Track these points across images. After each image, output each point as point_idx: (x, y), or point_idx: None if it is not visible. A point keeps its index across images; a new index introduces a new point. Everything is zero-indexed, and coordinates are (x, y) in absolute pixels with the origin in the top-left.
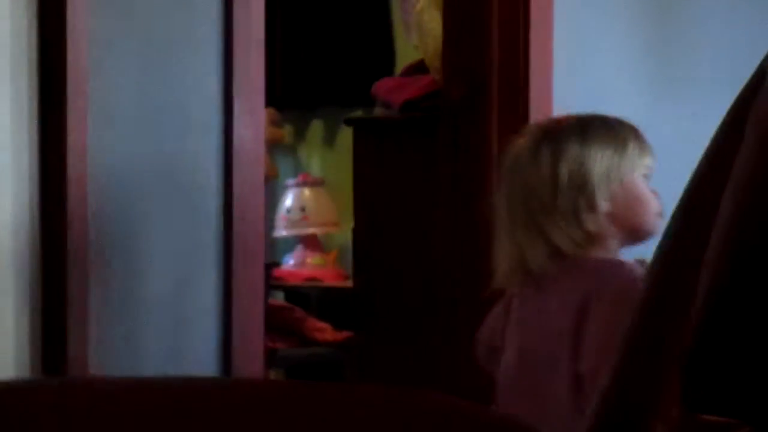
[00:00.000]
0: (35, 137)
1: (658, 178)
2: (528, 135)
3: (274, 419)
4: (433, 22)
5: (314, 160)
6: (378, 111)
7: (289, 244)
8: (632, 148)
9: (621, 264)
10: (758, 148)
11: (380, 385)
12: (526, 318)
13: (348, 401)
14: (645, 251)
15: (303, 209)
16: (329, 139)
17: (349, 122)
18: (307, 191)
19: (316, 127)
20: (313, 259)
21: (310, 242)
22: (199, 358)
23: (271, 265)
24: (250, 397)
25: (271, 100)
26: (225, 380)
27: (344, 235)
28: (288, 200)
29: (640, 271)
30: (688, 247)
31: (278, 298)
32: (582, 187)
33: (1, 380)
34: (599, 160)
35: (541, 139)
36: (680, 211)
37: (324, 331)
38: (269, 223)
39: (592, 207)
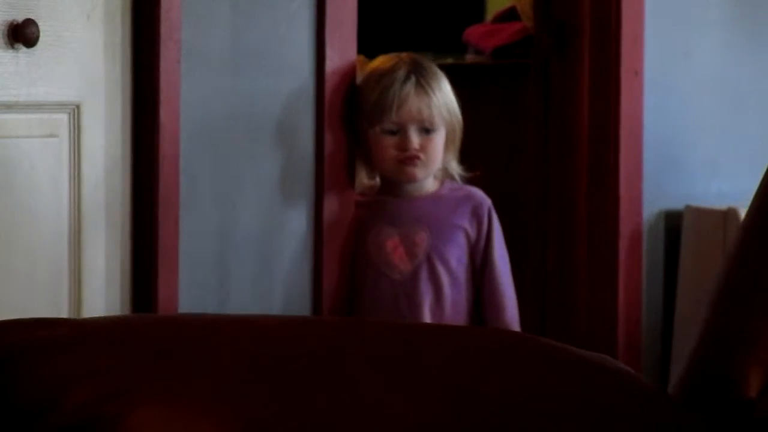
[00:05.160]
0: (128, 83)
1: (746, 123)
2: None
3: (369, 358)
4: None
5: None
6: (469, 57)
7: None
8: None
9: None
10: None
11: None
12: None
13: (449, 338)
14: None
15: None
16: None
17: (439, 69)
18: None
19: None
20: None
21: None
22: (290, 299)
23: None
24: (344, 337)
25: (361, 48)
26: (316, 319)
27: None
28: None
29: None
30: None
31: None
32: None
33: (95, 317)
34: None
35: None
36: None
37: None
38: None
39: None
